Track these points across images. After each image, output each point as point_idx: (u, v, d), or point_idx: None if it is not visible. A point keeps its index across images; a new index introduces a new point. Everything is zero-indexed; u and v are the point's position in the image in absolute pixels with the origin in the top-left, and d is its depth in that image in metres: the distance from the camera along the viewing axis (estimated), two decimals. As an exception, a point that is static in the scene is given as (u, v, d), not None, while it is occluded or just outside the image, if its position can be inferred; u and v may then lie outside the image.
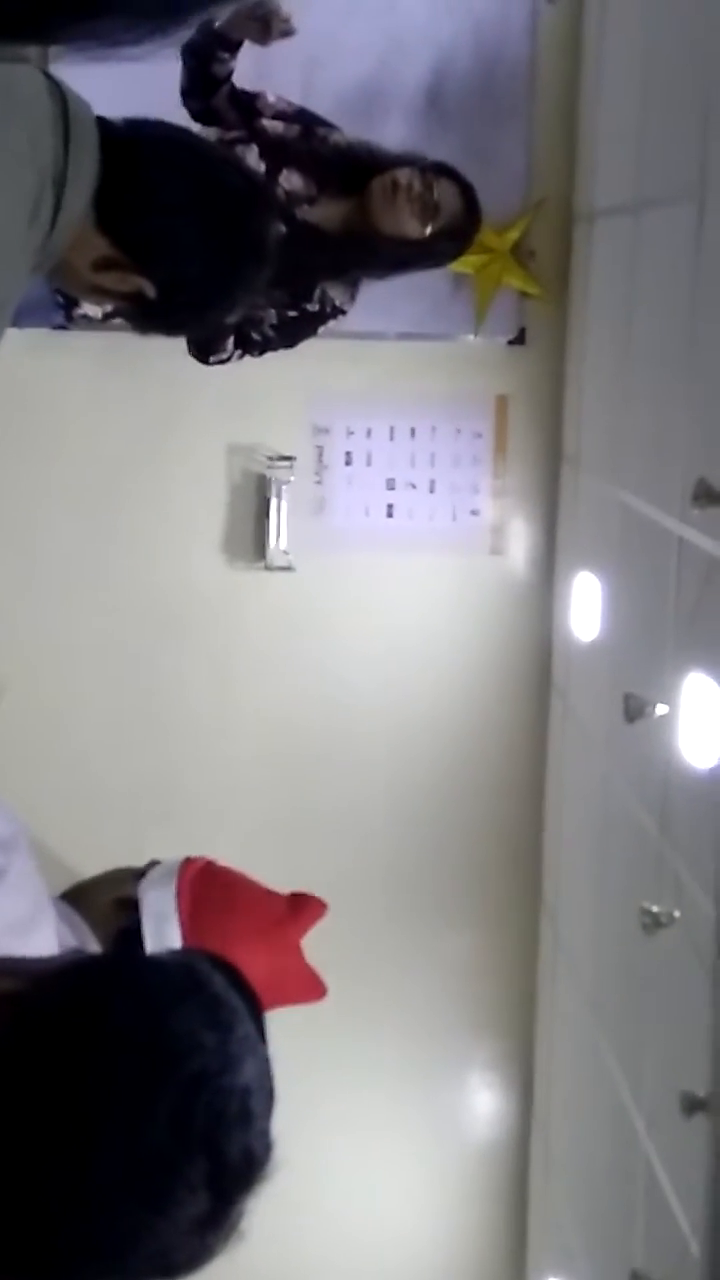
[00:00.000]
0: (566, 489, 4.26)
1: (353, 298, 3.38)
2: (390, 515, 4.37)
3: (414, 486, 4.36)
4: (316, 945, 3.64)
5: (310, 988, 2.37)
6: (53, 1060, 1.24)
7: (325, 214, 3.22)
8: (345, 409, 4.30)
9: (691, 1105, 2.59)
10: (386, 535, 4.38)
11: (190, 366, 3.51)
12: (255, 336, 3.36)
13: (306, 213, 3.22)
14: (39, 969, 1.38)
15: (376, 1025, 4.53)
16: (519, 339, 4.28)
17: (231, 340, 3.32)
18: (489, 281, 4.14)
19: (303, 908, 2.49)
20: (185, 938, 2.32)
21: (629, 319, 3.56)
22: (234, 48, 3.22)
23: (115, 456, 4.28)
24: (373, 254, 3.28)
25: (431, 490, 4.37)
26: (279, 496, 4.26)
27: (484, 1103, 4.68)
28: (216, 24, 3.09)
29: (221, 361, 3.37)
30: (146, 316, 2.02)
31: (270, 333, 3.37)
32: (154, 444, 4.27)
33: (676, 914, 2.77)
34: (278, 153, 3.13)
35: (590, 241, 4.01)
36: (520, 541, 4.40)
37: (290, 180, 3.17)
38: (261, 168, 3.17)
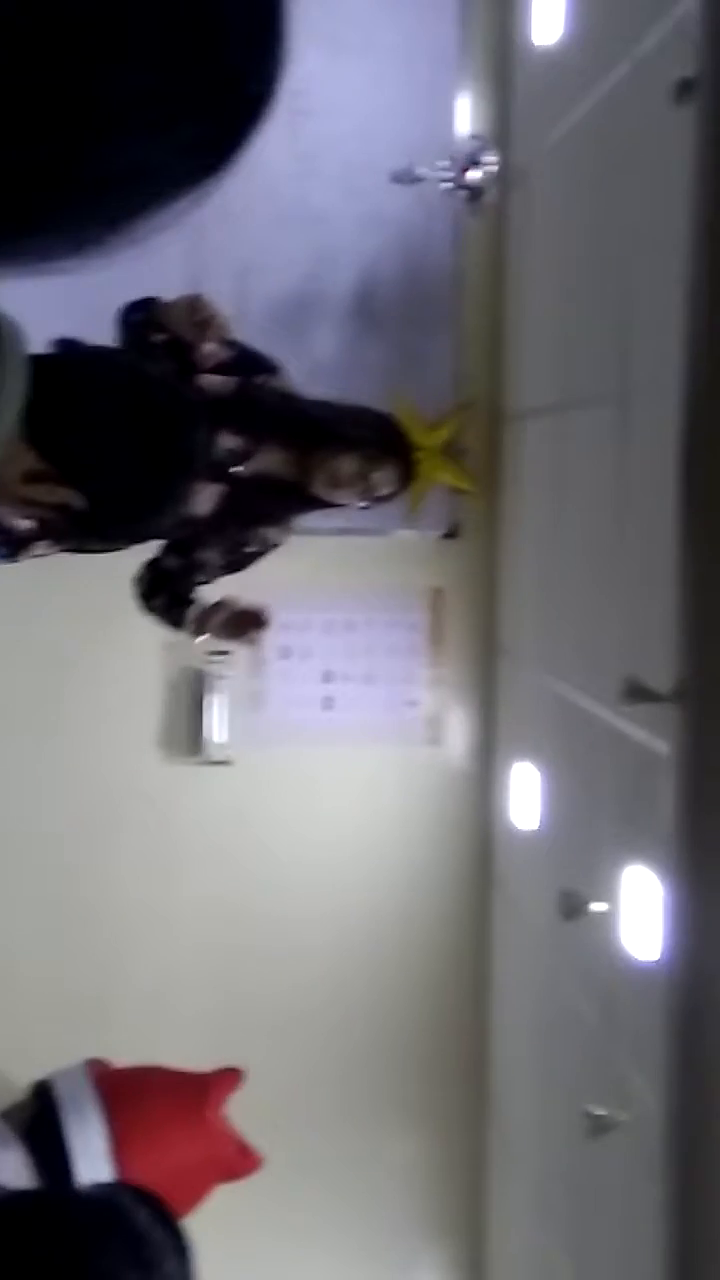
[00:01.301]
0: (503, 680, 4.30)
1: (289, 532, 3.43)
2: (328, 708, 4.38)
3: (351, 679, 4.38)
4: (257, 1147, 3.55)
5: (242, 1156, 2.30)
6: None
7: (264, 464, 3.27)
8: (282, 603, 4.32)
9: (645, 1318, 2.50)
10: (324, 728, 4.38)
11: (125, 562, 3.53)
12: (203, 578, 3.39)
13: (245, 468, 3.26)
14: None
15: (322, 1228, 4.39)
16: (452, 533, 4.35)
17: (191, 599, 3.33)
18: (422, 478, 4.21)
19: (216, 1076, 2.44)
20: (106, 1116, 2.26)
21: (558, 515, 3.63)
22: (167, 330, 3.25)
23: (52, 653, 4.28)
24: (311, 507, 3.34)
25: (369, 682, 4.39)
26: (216, 691, 4.26)
27: (435, 1314, 4.52)
28: (155, 310, 3.11)
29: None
30: (75, 528, 2.04)
31: (218, 570, 3.40)
32: (91, 640, 4.27)
33: (623, 1116, 2.72)
34: (216, 413, 3.15)
35: (519, 440, 4.11)
36: (458, 732, 4.42)
37: (229, 441, 3.22)
38: None
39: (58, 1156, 2.14)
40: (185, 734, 4.33)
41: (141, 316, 3.16)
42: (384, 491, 3.30)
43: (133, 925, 4.33)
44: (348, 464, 3.22)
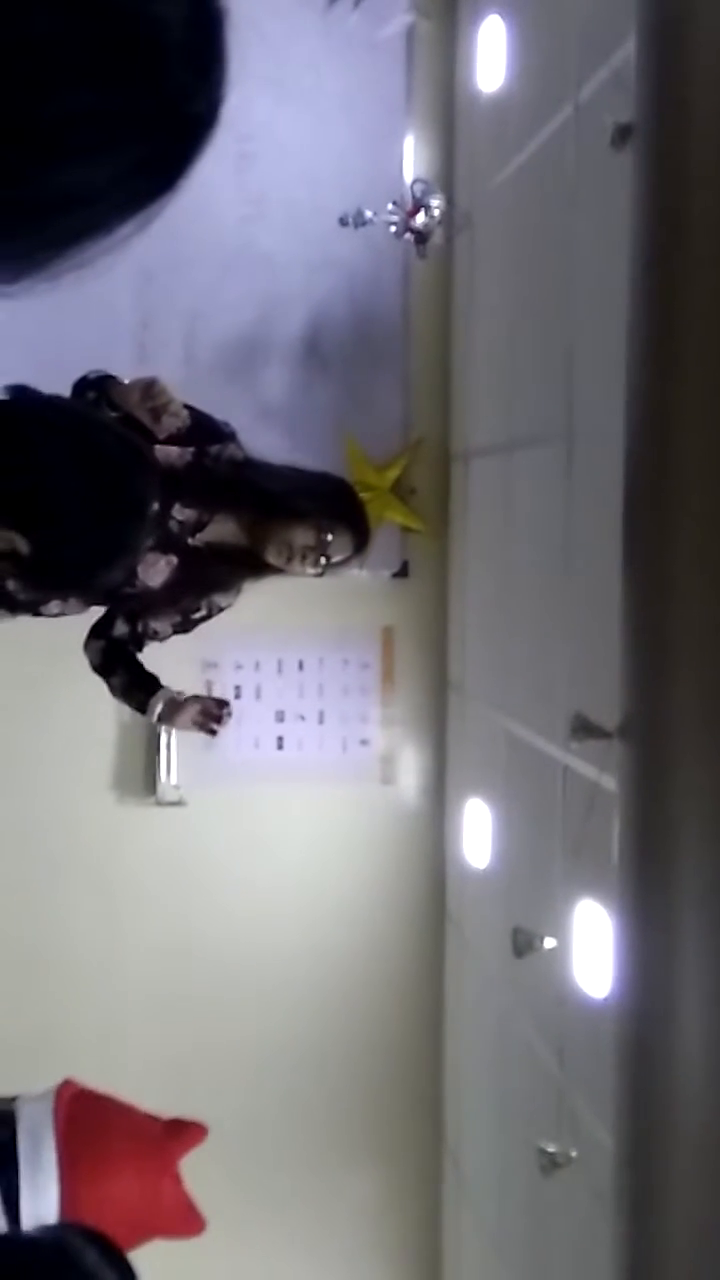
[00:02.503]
0: (454, 717, 4.31)
1: (239, 594, 3.43)
2: (280, 747, 4.39)
3: (303, 718, 4.39)
4: (213, 1187, 3.53)
5: (187, 1219, 2.28)
6: None
7: (217, 534, 3.27)
8: (233, 643, 4.34)
9: None
10: (277, 767, 4.38)
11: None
12: (155, 641, 3.39)
13: (198, 539, 3.26)
14: None
15: (278, 1267, 4.36)
16: (402, 572, 4.38)
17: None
18: (371, 517, 4.24)
19: (181, 1130, 2.43)
20: (60, 1155, 2.25)
21: (507, 553, 3.66)
22: (120, 409, 3.20)
23: (3, 695, 4.27)
24: (263, 573, 3.35)
25: (321, 721, 4.40)
26: (169, 732, 4.26)
27: None
28: (109, 389, 3.09)
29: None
30: (23, 575, 2.05)
31: (167, 635, 3.40)
32: (43, 682, 4.26)
33: (574, 1153, 2.72)
34: (171, 486, 3.14)
35: (467, 479, 4.15)
36: (410, 770, 4.43)
37: (183, 513, 3.22)
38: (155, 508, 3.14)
39: (10, 1190, 2.15)
40: (139, 775, 4.32)
41: (95, 395, 3.14)
42: (337, 560, 3.31)
43: (83, 968, 4.31)
44: (301, 536, 3.23)
